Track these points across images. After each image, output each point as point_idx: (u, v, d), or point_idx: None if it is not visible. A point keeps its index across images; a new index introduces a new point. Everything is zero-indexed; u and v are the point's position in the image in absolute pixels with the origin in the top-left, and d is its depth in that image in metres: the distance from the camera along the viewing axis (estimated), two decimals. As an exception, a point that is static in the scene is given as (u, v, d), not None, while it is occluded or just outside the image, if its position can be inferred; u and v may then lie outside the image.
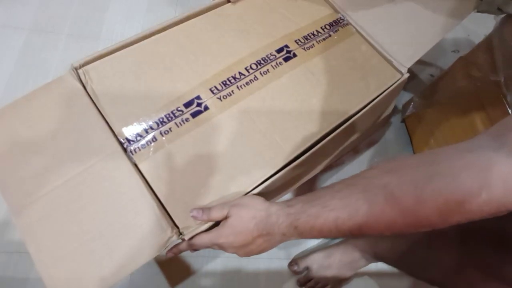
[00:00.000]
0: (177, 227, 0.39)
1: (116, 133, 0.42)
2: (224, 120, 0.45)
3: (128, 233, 0.38)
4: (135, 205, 0.39)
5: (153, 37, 0.49)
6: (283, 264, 0.64)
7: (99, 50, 0.46)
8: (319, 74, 0.51)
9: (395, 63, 0.53)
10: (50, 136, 0.41)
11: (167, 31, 0.50)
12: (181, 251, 0.42)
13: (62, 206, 0.38)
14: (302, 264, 0.61)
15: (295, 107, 0.48)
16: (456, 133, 0.69)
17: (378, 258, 0.57)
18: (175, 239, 0.39)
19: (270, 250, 0.38)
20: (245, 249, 0.38)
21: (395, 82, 0.52)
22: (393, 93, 0.54)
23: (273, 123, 0.46)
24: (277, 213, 0.37)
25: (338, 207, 0.32)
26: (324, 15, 0.57)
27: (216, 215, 0.39)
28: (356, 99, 0.50)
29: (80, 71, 0.45)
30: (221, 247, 0.38)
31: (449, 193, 0.25)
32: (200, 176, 0.42)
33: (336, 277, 0.60)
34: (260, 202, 0.39)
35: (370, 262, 0.60)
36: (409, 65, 0.53)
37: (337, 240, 0.66)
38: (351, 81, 0.52)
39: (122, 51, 0.47)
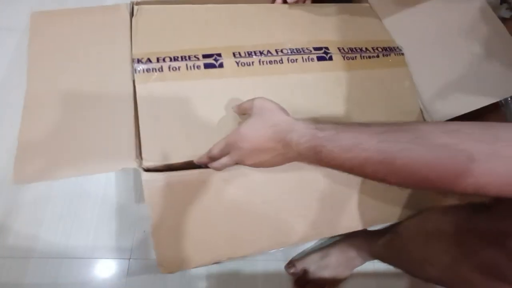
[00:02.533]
0: (141, 158, 0.40)
1: (133, 54, 0.44)
2: (233, 85, 0.45)
3: (100, 142, 0.41)
4: (119, 123, 0.41)
5: (208, 5, 0.51)
6: (280, 266, 0.62)
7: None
8: (347, 87, 0.49)
9: (425, 113, 0.50)
10: (86, 46, 0.46)
11: (222, 4, 0.51)
12: (205, 163, 0.41)
13: (67, 101, 0.42)
14: (299, 266, 0.60)
15: (305, 106, 0.47)
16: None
17: (373, 256, 0.56)
18: (135, 166, 0.40)
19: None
20: (258, 157, 0.37)
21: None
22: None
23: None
24: (301, 132, 0.35)
25: (374, 149, 0.30)
26: (381, 39, 0.55)
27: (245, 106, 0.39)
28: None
29: (136, 7, 0.47)
30: (236, 149, 0.37)
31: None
32: (188, 126, 0.42)
33: (333, 278, 0.59)
34: (284, 113, 0.38)
35: (366, 261, 0.59)
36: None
37: (332, 240, 0.64)
38: (374, 109, 0.49)
39: (178, 5, 0.49)
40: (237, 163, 0.39)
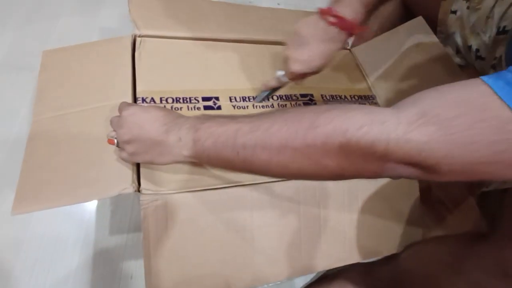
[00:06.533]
0: (139, 184, 0.41)
1: (136, 91, 0.48)
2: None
3: (96, 168, 0.41)
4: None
5: (210, 42, 0.57)
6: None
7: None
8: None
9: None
10: (89, 75, 0.49)
11: (223, 42, 0.58)
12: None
13: (70, 129, 0.44)
14: None
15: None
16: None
17: None
18: (129, 191, 0.40)
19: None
20: (141, 140, 0.37)
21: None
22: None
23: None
24: (187, 117, 0.37)
25: (245, 121, 0.33)
26: (359, 87, 0.62)
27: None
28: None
29: (138, 39, 0.53)
30: (120, 123, 0.38)
31: (338, 121, 0.29)
32: None
33: None
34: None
35: None
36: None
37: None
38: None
39: (179, 40, 0.56)
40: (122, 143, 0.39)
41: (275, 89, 0.53)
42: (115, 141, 0.39)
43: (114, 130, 0.39)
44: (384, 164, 0.28)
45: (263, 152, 0.31)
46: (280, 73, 0.49)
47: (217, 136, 0.33)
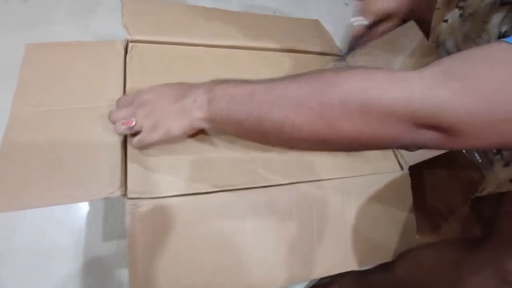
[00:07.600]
0: (126, 187, 0.39)
1: (126, 89, 0.47)
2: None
3: (83, 169, 0.40)
4: (105, 153, 0.41)
5: (203, 48, 0.57)
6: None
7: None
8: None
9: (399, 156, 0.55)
10: (77, 75, 0.48)
11: (216, 48, 0.58)
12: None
13: (51, 127, 0.42)
14: None
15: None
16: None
17: None
18: (117, 195, 0.38)
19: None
20: (160, 110, 0.38)
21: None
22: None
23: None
24: (202, 83, 0.38)
25: (261, 82, 0.33)
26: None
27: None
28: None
29: (130, 44, 0.53)
30: (138, 100, 0.39)
31: (357, 79, 0.28)
32: (177, 160, 0.43)
33: None
34: None
35: None
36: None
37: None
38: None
39: (172, 46, 0.55)
40: (137, 123, 0.39)
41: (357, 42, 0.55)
42: (133, 120, 0.38)
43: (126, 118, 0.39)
44: (403, 127, 0.27)
45: (278, 111, 0.30)
46: (357, 18, 0.51)
47: (233, 95, 0.33)
